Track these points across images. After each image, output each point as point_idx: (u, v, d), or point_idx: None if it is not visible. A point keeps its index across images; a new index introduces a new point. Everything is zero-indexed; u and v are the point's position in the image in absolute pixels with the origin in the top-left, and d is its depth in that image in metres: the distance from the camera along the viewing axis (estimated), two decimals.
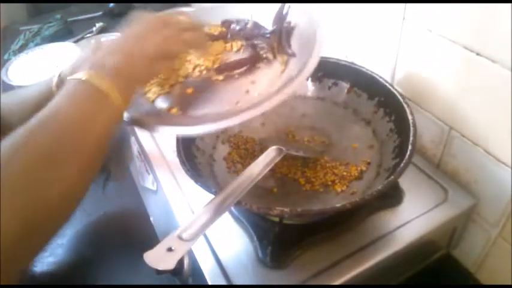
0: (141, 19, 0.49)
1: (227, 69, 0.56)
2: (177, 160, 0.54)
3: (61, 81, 0.54)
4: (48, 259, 0.80)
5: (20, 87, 1.00)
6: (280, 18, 0.58)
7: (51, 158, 0.36)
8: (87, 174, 0.39)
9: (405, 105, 0.57)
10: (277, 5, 0.59)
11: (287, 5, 0.58)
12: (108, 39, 0.46)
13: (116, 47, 0.45)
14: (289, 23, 0.57)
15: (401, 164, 0.50)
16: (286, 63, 0.54)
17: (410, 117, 0.55)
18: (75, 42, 1.22)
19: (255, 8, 0.62)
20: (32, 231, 0.33)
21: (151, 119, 0.51)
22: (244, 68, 0.56)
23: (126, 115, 0.50)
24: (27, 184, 0.34)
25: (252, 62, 0.56)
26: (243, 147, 0.66)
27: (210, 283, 0.53)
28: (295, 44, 0.55)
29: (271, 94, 0.48)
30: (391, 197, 0.60)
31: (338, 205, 0.46)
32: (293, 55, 0.53)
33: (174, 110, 0.53)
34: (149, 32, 0.47)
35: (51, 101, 0.39)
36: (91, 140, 0.39)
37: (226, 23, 0.62)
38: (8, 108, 0.57)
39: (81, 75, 0.41)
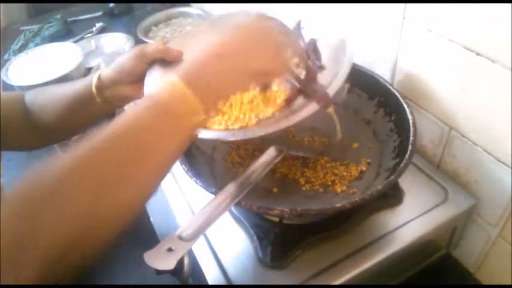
0: (241, 27, 0.45)
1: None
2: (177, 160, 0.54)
3: (101, 83, 0.54)
4: None
5: (20, 87, 1.00)
6: (298, 30, 0.58)
7: (117, 174, 0.35)
8: (146, 194, 0.38)
9: (405, 105, 0.57)
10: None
11: (301, 20, 0.59)
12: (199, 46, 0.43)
13: (210, 64, 0.41)
14: (313, 38, 0.57)
15: (401, 164, 0.50)
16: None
17: (410, 117, 0.55)
18: (75, 42, 1.23)
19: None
20: (77, 246, 0.32)
21: None
22: None
23: None
24: (87, 198, 0.33)
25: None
26: (243, 147, 0.66)
27: (210, 283, 0.53)
28: (325, 54, 0.55)
29: (303, 105, 0.47)
30: (391, 197, 0.60)
31: (338, 205, 0.46)
32: (322, 68, 0.53)
33: None
34: (252, 47, 0.43)
35: (124, 114, 0.38)
36: (159, 160, 0.38)
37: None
38: (39, 105, 0.58)
39: (164, 91, 0.39)
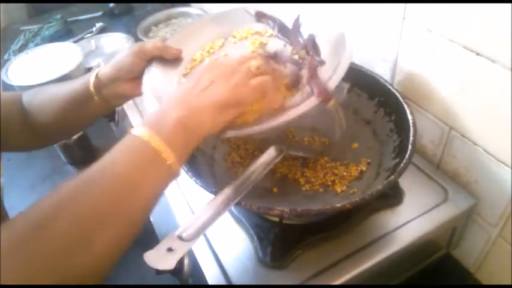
0: (208, 65, 0.46)
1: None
2: None
3: (99, 81, 0.54)
4: None
5: (20, 87, 1.00)
6: (295, 28, 0.58)
7: (97, 217, 0.34)
8: (125, 239, 0.36)
9: (405, 105, 0.57)
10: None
11: (300, 15, 0.59)
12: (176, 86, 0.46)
13: (181, 99, 0.42)
14: (312, 34, 0.57)
15: (402, 164, 0.50)
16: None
17: (410, 117, 0.55)
18: (75, 42, 1.23)
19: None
20: None
21: None
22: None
23: None
24: (67, 243, 0.32)
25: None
26: (243, 147, 0.66)
27: (210, 283, 0.53)
28: (324, 49, 0.55)
29: (303, 99, 0.47)
30: (391, 197, 0.60)
31: (338, 205, 0.46)
32: (322, 63, 0.53)
33: None
34: (218, 80, 0.43)
35: (105, 156, 0.37)
36: (139, 202, 0.37)
37: (260, 15, 0.62)
38: (36, 105, 0.57)
39: (140, 131, 0.38)
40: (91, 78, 0.54)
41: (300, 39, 0.57)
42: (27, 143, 0.61)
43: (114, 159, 0.37)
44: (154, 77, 0.55)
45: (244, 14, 0.64)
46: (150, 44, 0.54)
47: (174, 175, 0.39)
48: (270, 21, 0.62)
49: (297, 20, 0.59)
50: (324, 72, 0.51)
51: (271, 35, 0.60)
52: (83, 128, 0.64)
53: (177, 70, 0.58)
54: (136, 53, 0.54)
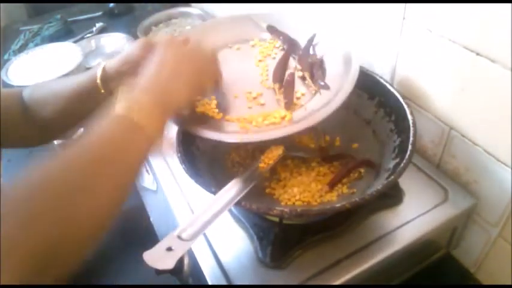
0: (173, 54, 0.50)
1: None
2: (177, 160, 0.54)
3: (106, 75, 0.55)
4: None
5: (20, 87, 1.00)
6: (306, 47, 0.60)
7: (84, 183, 0.36)
8: (116, 202, 0.40)
9: (405, 105, 0.57)
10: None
11: (315, 34, 0.61)
12: (147, 68, 0.49)
13: (153, 82, 0.47)
14: (319, 57, 0.60)
15: (401, 164, 0.50)
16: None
17: (410, 117, 0.55)
18: (75, 42, 1.22)
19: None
20: (57, 254, 0.33)
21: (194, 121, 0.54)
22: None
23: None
24: (57, 207, 0.34)
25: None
26: (243, 147, 0.66)
27: (210, 283, 0.53)
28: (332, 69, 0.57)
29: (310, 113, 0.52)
30: (391, 197, 0.60)
31: (338, 205, 0.46)
32: (326, 87, 0.54)
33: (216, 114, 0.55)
34: (183, 65, 0.49)
35: (91, 130, 0.41)
36: (123, 168, 0.40)
37: (271, 30, 0.65)
38: (38, 100, 0.57)
39: (121, 109, 0.42)
40: (98, 71, 0.55)
41: (309, 59, 0.58)
42: (29, 139, 0.61)
43: (99, 133, 0.41)
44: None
45: (252, 22, 0.65)
46: (157, 37, 0.55)
47: (153, 142, 0.43)
48: (281, 37, 0.63)
49: (310, 40, 0.60)
50: (325, 94, 0.52)
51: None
52: (87, 122, 0.64)
53: None
54: (143, 46, 0.54)
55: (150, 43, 0.54)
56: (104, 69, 0.55)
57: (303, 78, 0.57)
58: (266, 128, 0.52)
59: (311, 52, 0.60)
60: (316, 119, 0.51)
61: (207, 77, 0.52)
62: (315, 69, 0.57)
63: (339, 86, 0.53)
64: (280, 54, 0.62)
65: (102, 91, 0.55)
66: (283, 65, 0.59)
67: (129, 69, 0.54)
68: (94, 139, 0.40)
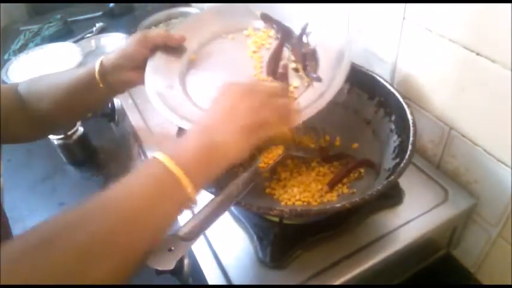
0: (226, 91, 0.44)
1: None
2: None
3: (104, 69, 0.54)
4: None
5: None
6: (299, 37, 0.59)
7: (99, 242, 0.32)
8: (132, 265, 0.35)
9: (405, 105, 0.57)
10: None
11: (307, 23, 0.59)
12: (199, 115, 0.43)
13: (204, 128, 0.41)
14: (311, 47, 0.58)
15: (402, 164, 0.50)
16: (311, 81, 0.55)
17: (410, 117, 0.55)
18: (75, 42, 1.23)
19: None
20: None
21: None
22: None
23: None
24: (72, 265, 0.31)
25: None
26: None
27: (210, 283, 0.53)
28: (325, 61, 0.56)
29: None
30: (391, 197, 0.60)
31: (338, 205, 0.46)
32: (318, 80, 0.53)
33: None
34: (236, 101, 0.42)
35: (121, 180, 0.36)
36: (149, 228, 0.36)
37: (266, 18, 0.63)
38: (36, 93, 0.57)
39: (161, 157, 0.37)
40: (96, 65, 0.55)
41: (302, 49, 0.57)
42: (28, 133, 0.60)
43: (129, 186, 0.36)
44: (157, 66, 0.55)
45: (248, 11, 0.64)
46: (154, 32, 0.55)
47: (189, 203, 0.38)
48: (274, 25, 0.62)
49: (303, 29, 0.59)
50: (314, 91, 0.52)
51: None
52: (86, 116, 0.64)
53: (180, 60, 0.59)
54: (140, 41, 0.54)
55: (146, 37, 0.54)
56: (101, 64, 0.55)
57: (296, 70, 0.57)
58: None
59: (304, 41, 0.59)
60: (306, 116, 0.49)
61: (270, 116, 0.42)
62: (308, 60, 0.56)
63: (331, 78, 0.52)
64: (274, 43, 0.61)
65: (101, 85, 0.55)
66: (276, 56, 0.58)
67: (125, 63, 0.55)
68: (123, 192, 0.35)
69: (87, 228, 0.32)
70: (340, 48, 0.54)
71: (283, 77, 0.55)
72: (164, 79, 0.56)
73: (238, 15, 0.65)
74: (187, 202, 0.37)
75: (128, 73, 0.56)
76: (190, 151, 0.38)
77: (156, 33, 0.55)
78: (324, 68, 0.55)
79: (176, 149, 0.38)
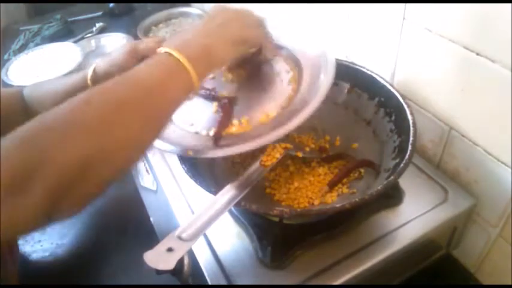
0: (223, 11, 0.52)
1: None
2: (177, 160, 0.54)
3: (96, 76, 0.56)
4: (49, 259, 0.80)
5: (20, 87, 1.00)
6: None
7: (120, 105, 0.38)
8: (148, 133, 0.41)
9: (405, 105, 0.57)
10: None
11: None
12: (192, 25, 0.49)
13: (204, 30, 0.48)
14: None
15: (402, 164, 0.50)
16: (297, 83, 0.55)
17: (410, 117, 0.55)
18: (75, 42, 1.23)
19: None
20: (86, 173, 0.34)
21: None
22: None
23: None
24: (94, 124, 0.36)
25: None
26: None
27: (210, 283, 0.53)
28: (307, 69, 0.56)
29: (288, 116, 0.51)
30: (391, 197, 0.60)
31: (338, 205, 0.46)
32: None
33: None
34: (231, 20, 0.50)
35: (140, 65, 0.43)
36: (160, 102, 0.41)
37: None
38: (37, 98, 0.58)
39: (168, 49, 0.43)
40: (89, 72, 0.56)
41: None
42: None
43: (140, 68, 0.42)
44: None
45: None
46: (143, 43, 0.56)
47: (193, 89, 0.44)
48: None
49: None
50: (304, 91, 0.53)
51: None
52: None
53: None
54: (130, 51, 0.56)
55: (135, 49, 0.56)
56: (94, 71, 0.56)
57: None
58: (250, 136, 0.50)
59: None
60: (297, 121, 0.49)
61: (253, 36, 0.52)
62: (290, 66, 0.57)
63: (318, 83, 0.53)
64: None
65: None
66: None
67: (116, 72, 0.55)
68: (139, 69, 0.42)
69: (118, 94, 0.39)
70: (322, 52, 0.55)
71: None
72: None
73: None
74: (191, 88, 0.43)
75: None
76: (192, 47, 0.45)
77: (145, 45, 0.56)
78: (308, 74, 0.55)
79: (180, 45, 0.44)
